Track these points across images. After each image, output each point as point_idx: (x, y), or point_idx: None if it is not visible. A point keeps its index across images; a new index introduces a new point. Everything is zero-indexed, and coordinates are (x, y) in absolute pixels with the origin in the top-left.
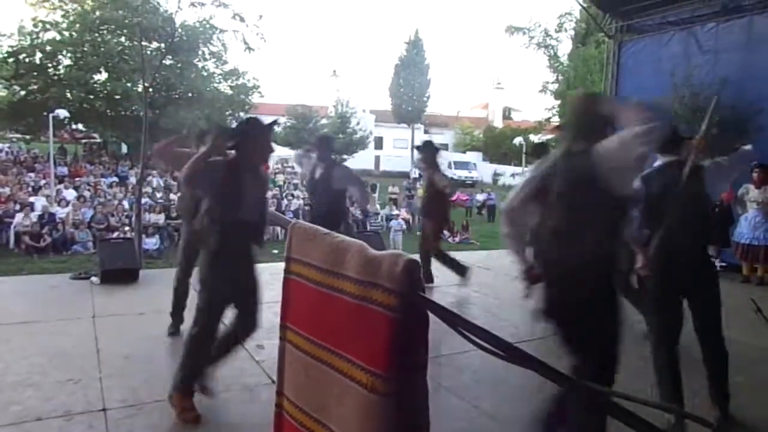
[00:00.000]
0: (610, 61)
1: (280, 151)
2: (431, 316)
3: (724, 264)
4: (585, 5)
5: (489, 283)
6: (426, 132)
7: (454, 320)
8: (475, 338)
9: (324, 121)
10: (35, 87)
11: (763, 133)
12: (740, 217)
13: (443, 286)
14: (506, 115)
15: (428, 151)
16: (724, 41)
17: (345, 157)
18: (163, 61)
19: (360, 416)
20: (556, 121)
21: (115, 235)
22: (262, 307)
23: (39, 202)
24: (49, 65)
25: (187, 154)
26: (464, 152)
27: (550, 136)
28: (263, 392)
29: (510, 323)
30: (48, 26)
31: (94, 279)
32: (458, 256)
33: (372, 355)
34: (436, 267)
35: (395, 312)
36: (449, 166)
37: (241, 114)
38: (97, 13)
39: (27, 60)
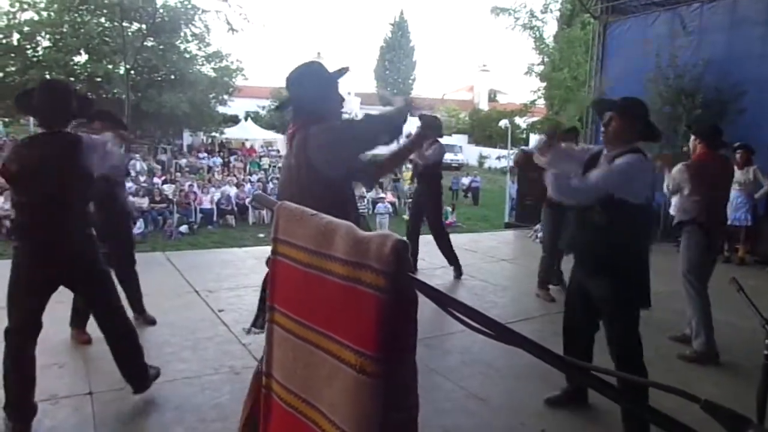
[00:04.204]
0: (595, 42)
1: (265, 135)
2: (420, 296)
3: None
4: None
5: (475, 264)
6: (411, 115)
7: (444, 300)
8: (465, 318)
9: None
10: (13, 69)
11: (745, 114)
12: None
13: (429, 268)
14: (492, 97)
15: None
16: (708, 22)
17: None
18: (145, 43)
19: (349, 397)
20: (541, 103)
21: None
22: (247, 290)
23: None
24: (28, 46)
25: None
26: (450, 135)
27: (536, 119)
28: (250, 375)
29: (495, 304)
30: (25, 6)
31: None
32: None
33: (361, 336)
34: (426, 250)
35: (384, 293)
36: None
37: (225, 97)
38: None
39: (4, 41)
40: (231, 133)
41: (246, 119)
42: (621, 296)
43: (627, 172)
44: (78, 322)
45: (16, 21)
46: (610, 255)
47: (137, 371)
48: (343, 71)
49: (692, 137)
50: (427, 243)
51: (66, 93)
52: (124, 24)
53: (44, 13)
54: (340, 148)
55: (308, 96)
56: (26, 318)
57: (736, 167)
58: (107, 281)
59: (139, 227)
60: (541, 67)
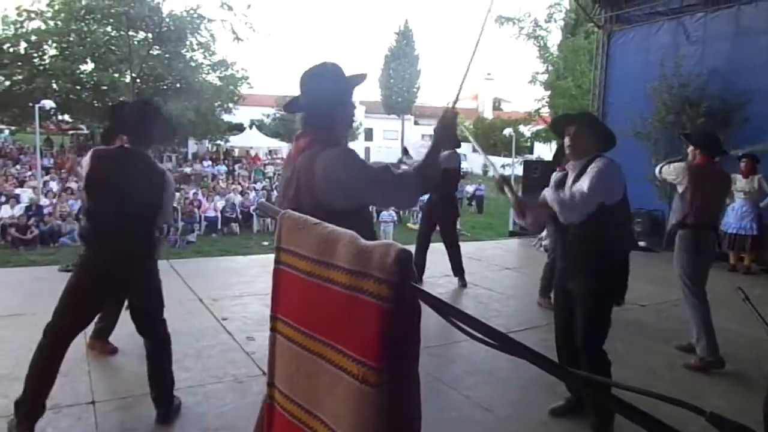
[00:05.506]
0: (599, 51)
1: (269, 143)
2: (423, 306)
3: None
4: None
5: (479, 273)
6: (416, 123)
7: (447, 310)
8: (468, 328)
9: None
10: (20, 77)
11: (749, 123)
12: (727, 207)
13: (433, 277)
14: (496, 106)
15: None
16: (712, 31)
17: None
18: (151, 52)
19: (351, 407)
20: (546, 111)
21: None
22: (251, 298)
23: (25, 193)
24: (35, 55)
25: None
26: None
27: (540, 127)
28: (254, 384)
29: (499, 313)
30: (32, 15)
31: None
32: None
33: (363, 345)
34: (430, 259)
35: (387, 302)
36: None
37: (230, 105)
38: (83, 2)
39: (11, 50)
40: (236, 141)
41: (251, 127)
42: (595, 289)
43: (605, 176)
44: (102, 336)
45: (23, 30)
46: (588, 252)
47: (165, 386)
48: (360, 77)
49: (690, 147)
50: (431, 252)
51: (157, 116)
52: (130, 33)
53: (51, 23)
54: (351, 177)
55: (323, 100)
56: (76, 322)
57: (741, 176)
58: (160, 297)
59: None
60: (546, 76)
